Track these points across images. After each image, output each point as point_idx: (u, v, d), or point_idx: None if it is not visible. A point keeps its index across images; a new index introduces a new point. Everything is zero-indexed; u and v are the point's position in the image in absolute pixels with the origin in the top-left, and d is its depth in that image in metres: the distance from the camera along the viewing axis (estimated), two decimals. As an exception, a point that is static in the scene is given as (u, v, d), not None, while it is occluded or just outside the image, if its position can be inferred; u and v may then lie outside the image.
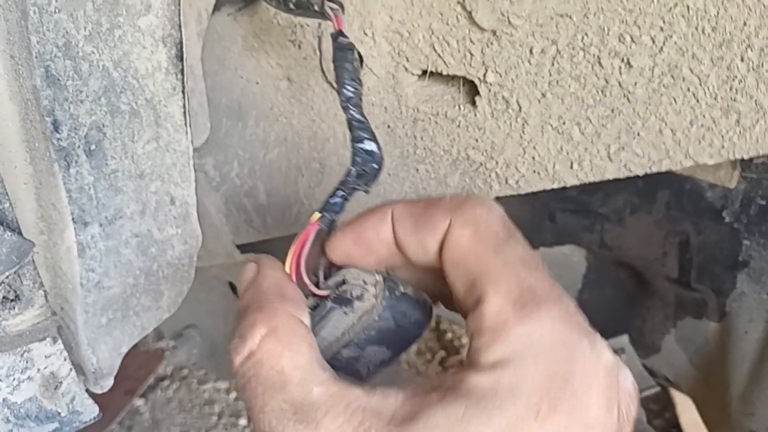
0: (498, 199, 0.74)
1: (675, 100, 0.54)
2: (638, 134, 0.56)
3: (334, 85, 0.68)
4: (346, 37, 0.48)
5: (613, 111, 0.56)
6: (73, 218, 0.54)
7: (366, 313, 0.38)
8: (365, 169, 0.42)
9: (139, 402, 1.67)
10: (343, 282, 0.39)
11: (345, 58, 0.46)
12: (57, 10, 0.46)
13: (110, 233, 0.57)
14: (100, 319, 0.61)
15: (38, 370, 0.53)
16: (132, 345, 0.65)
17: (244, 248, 0.90)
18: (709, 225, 0.80)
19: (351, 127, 0.44)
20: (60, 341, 0.54)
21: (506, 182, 0.65)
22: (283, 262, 0.41)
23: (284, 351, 0.33)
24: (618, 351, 0.86)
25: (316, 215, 0.41)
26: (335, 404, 0.31)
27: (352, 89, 0.45)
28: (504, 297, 0.30)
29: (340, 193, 0.42)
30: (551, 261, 0.97)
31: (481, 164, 0.65)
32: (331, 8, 0.51)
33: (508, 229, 0.33)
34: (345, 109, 0.45)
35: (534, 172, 0.63)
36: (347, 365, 0.40)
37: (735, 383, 0.87)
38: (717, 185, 0.76)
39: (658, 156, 0.57)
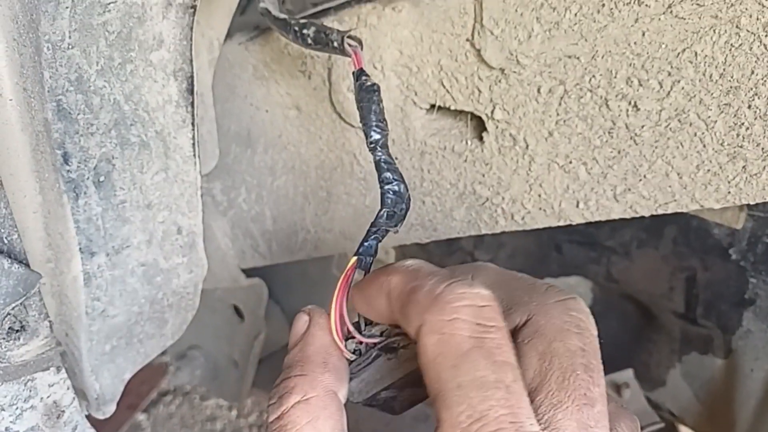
0: (503, 233, 0.73)
1: (682, 144, 0.54)
2: (645, 176, 0.56)
3: (343, 116, 0.69)
4: (368, 76, 0.48)
5: (619, 152, 0.56)
6: (80, 248, 0.54)
7: (407, 360, 0.39)
8: (395, 210, 0.43)
9: (141, 417, 1.66)
10: (387, 328, 0.40)
11: (371, 99, 0.46)
12: (70, 46, 0.47)
13: (117, 263, 0.57)
14: (104, 346, 0.61)
15: (41, 399, 0.53)
16: (135, 371, 0.66)
17: (249, 273, 0.90)
18: (716, 262, 0.79)
19: (379, 169, 0.44)
20: (63, 371, 0.54)
21: (512, 218, 0.65)
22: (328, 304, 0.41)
23: (309, 424, 0.35)
24: (622, 385, 0.86)
25: (354, 259, 0.41)
26: None
27: (379, 131, 0.46)
28: (452, 426, 0.29)
29: (373, 235, 0.42)
30: (557, 291, 0.96)
31: (488, 199, 0.65)
32: (350, 45, 0.51)
33: (473, 336, 0.30)
34: (372, 150, 0.45)
35: (540, 209, 0.63)
36: (384, 404, 0.41)
37: (741, 420, 0.86)
38: (723, 225, 0.76)
39: (665, 198, 0.57)
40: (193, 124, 0.57)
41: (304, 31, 0.54)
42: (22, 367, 0.51)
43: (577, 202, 0.60)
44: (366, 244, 0.42)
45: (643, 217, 0.62)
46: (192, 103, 0.56)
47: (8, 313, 0.48)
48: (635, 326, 0.95)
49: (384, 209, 0.43)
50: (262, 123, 0.75)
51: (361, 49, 0.51)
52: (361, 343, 0.39)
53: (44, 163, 0.51)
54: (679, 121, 0.53)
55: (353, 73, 0.49)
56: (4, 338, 0.49)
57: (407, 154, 0.68)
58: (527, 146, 0.60)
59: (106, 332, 0.60)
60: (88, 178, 0.52)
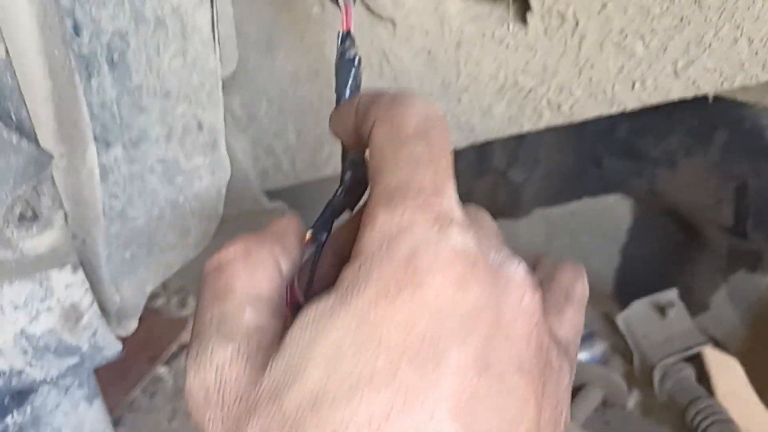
0: (539, 144, 0.69)
1: (753, 3, 0.49)
2: (710, 45, 0.51)
3: (372, 7, 0.64)
4: (353, 41, 0.44)
5: (681, 20, 0.51)
6: (95, 137, 0.50)
7: None
8: (354, 191, 0.43)
9: (162, 369, 1.64)
10: None
11: (348, 72, 0.44)
12: None
13: (134, 157, 0.53)
14: (124, 253, 0.58)
15: (58, 300, 0.49)
16: (157, 284, 0.62)
17: (272, 195, 0.86)
18: (769, 167, 0.74)
19: (343, 145, 0.43)
20: (81, 270, 0.50)
21: (558, 108, 0.60)
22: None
23: (244, 273, 0.34)
24: (667, 305, 0.81)
25: (309, 233, 0.41)
26: (254, 330, 0.32)
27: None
28: (379, 193, 0.31)
29: (329, 211, 0.42)
30: (595, 214, 0.92)
31: (531, 90, 0.60)
32: None
33: (420, 128, 0.33)
34: None
35: (590, 95, 0.58)
36: None
37: (791, 340, 0.82)
38: (780, 123, 0.71)
39: (732, 70, 0.51)
40: (211, 3, 0.52)
41: None
42: (36, 261, 0.47)
43: (633, 83, 0.55)
44: (321, 219, 0.42)
45: (691, 121, 0.57)
46: (210, -21, 0.51)
47: (19, 197, 0.44)
48: (678, 246, 0.90)
49: (342, 187, 0.43)
50: (283, 24, 0.70)
51: (354, 4, 0.47)
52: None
53: (53, 39, 0.47)
54: (751, -23, 0.48)
55: (339, 33, 0.45)
56: (15, 226, 0.45)
57: (441, 47, 0.63)
58: (577, 24, 0.55)
59: (125, 237, 0.56)
60: (101, 55, 0.48)
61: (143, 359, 1.62)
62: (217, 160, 0.58)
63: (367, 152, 0.41)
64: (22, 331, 0.48)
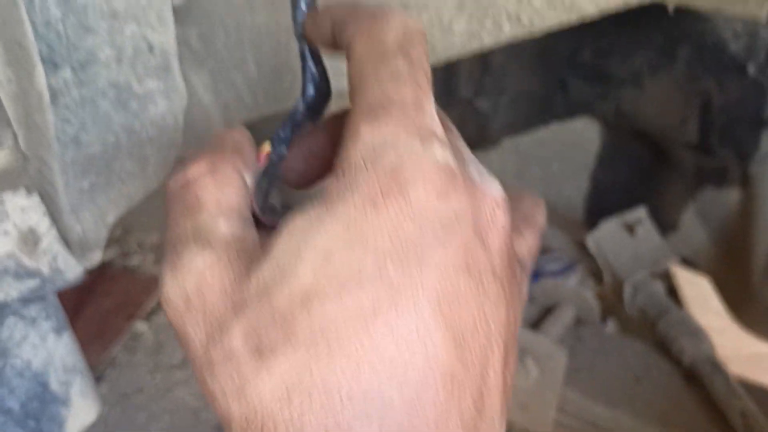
0: (505, 72, 0.68)
1: None
2: (666, -58, 0.50)
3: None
4: None
5: None
6: (42, 58, 0.48)
7: None
8: (315, 104, 0.43)
9: (141, 325, 1.64)
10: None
11: None
12: None
13: (84, 80, 0.52)
14: (82, 182, 0.56)
15: (14, 224, 0.48)
16: (119, 215, 0.61)
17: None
18: (733, 80, 0.74)
19: (303, 59, 0.43)
20: (36, 195, 0.49)
21: (518, 20, 0.59)
22: None
23: (213, 187, 0.35)
24: (635, 222, 0.82)
25: (267, 145, 0.41)
26: (231, 238, 0.33)
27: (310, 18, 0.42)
28: (362, 107, 0.32)
29: (290, 125, 0.42)
30: (563, 140, 0.92)
31: (491, 2, 0.59)
32: None
33: (399, 42, 0.33)
34: (298, 39, 0.43)
35: (549, 3, 0.57)
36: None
37: (758, 255, 0.83)
38: (741, 35, 0.71)
39: (689, -33, 0.51)
40: None
41: None
42: (-13, 183, 0.46)
43: (591, -13, 0.55)
44: (281, 131, 0.42)
45: (655, 38, 0.56)
46: None
47: (-37, 116, 0.43)
48: (646, 168, 0.90)
49: (303, 100, 0.43)
50: (237, -52, 0.68)
51: None
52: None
53: (-11, -46, 0.45)
54: None
55: None
56: (-39, 146, 0.44)
57: (398, -38, 0.62)
58: (532, -72, 0.54)
59: (81, 164, 0.55)
60: (40, -29, 0.46)
61: (122, 317, 1.62)
62: (171, 85, 0.57)
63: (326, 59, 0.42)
64: (-21, 255, 0.47)
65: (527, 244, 0.40)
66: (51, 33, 0.48)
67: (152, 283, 1.70)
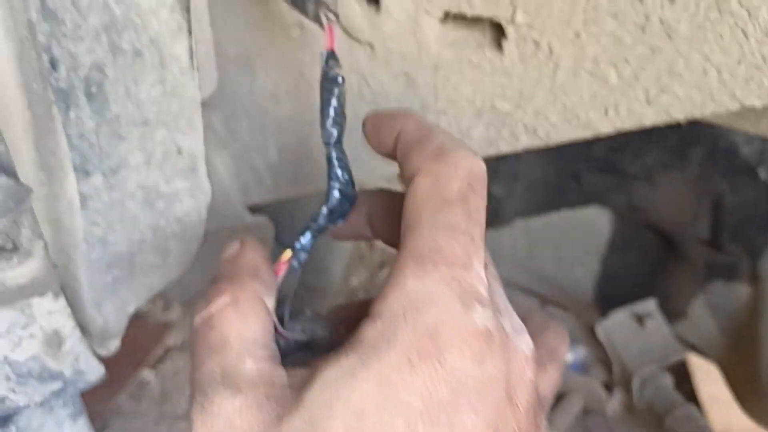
0: (523, 158, 0.69)
1: (721, 36, 0.50)
2: (680, 75, 0.52)
3: (350, 32, 0.64)
4: (337, 61, 0.45)
5: (653, 51, 0.52)
6: (74, 167, 0.50)
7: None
8: (338, 209, 0.43)
9: (147, 373, 1.65)
10: (310, 328, 0.42)
11: (332, 91, 0.44)
12: (52, -65, 0.43)
13: (114, 184, 0.54)
14: (105, 276, 0.58)
15: (40, 327, 0.50)
16: (139, 304, 0.62)
17: (254, 211, 0.87)
18: (744, 183, 0.76)
19: (330, 165, 0.44)
20: (63, 297, 0.51)
21: (535, 132, 0.61)
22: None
23: (236, 321, 0.35)
24: (645, 314, 0.83)
25: (288, 253, 0.42)
26: (259, 379, 0.33)
27: (337, 127, 0.44)
28: (412, 252, 0.32)
29: (311, 231, 0.43)
30: (575, 225, 0.93)
31: (508, 114, 0.61)
32: (326, 16, 0.47)
33: (462, 192, 0.34)
34: (326, 145, 0.44)
35: (565, 120, 0.59)
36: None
37: (766, 348, 0.83)
38: (753, 140, 0.72)
39: (702, 99, 0.53)
40: (189, 32, 0.52)
41: None
42: (18, 291, 0.47)
43: (606, 110, 0.56)
44: (302, 238, 0.42)
45: (668, 139, 0.58)
46: (188, 9, 0.52)
47: (-1, 231, 0.44)
48: (656, 257, 0.91)
49: (326, 206, 0.43)
50: (263, 44, 0.71)
51: (337, 21, 0.47)
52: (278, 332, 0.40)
53: (31, 72, 0.47)
54: (719, 10, 0.49)
55: (322, 53, 0.45)
56: (-5, 259, 0.45)
57: (420, 70, 0.64)
58: (551, 51, 0.56)
59: (106, 261, 0.57)
60: (78, 88, 0.48)
61: (128, 364, 1.62)
62: (197, 184, 0.59)
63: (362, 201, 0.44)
64: (5, 358, 0.48)
65: (550, 379, 0.41)
66: (84, 144, 0.50)
67: (160, 330, 1.70)
